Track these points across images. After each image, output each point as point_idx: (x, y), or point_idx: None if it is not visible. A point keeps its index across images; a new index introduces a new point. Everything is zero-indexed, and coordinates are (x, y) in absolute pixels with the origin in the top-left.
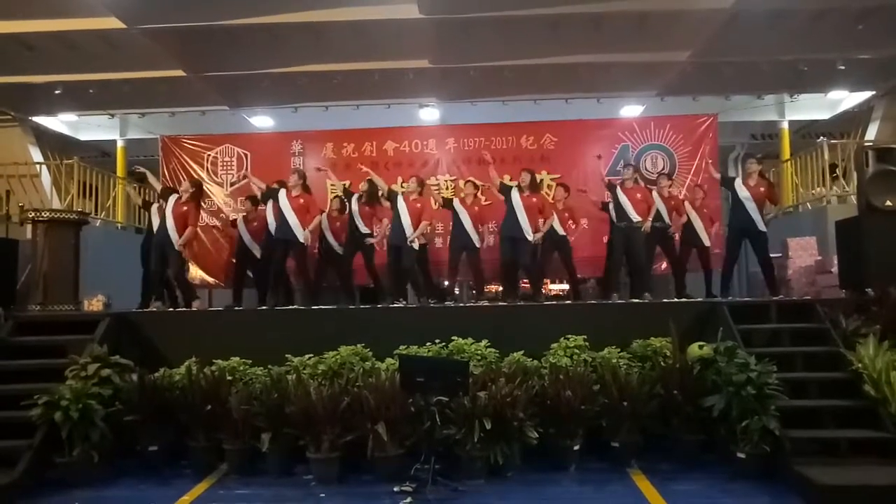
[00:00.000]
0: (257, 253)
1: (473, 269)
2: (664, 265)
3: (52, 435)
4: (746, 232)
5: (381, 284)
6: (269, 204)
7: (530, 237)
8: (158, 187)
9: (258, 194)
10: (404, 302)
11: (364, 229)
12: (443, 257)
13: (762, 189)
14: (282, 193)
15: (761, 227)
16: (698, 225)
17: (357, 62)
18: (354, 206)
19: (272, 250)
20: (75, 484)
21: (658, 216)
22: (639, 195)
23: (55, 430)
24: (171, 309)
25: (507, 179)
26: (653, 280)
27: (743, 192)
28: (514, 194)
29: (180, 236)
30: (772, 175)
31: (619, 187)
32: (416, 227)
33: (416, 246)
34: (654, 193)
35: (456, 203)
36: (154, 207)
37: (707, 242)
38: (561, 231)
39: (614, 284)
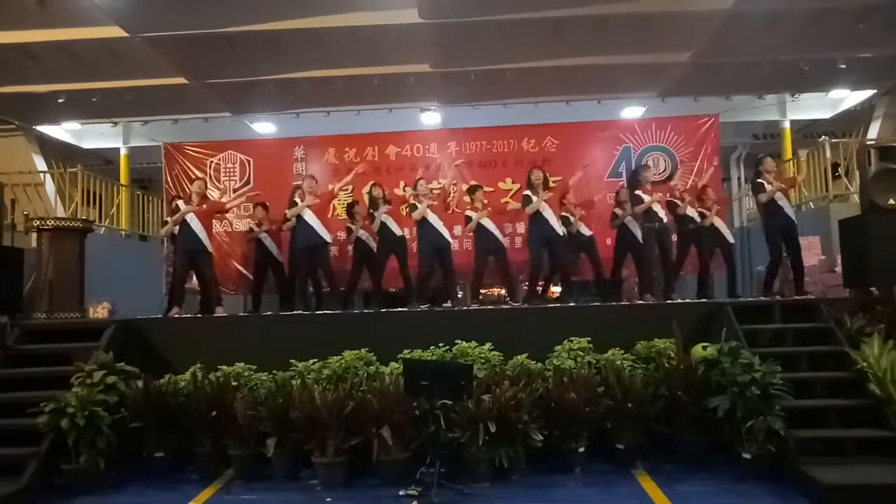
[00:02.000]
0: (279, 258)
1: (503, 270)
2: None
3: (58, 442)
4: (786, 230)
5: (412, 288)
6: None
7: (562, 232)
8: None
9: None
10: (449, 303)
11: (399, 232)
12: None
13: (784, 186)
14: (299, 202)
15: (794, 220)
16: (720, 224)
17: (358, 67)
18: (383, 214)
19: (299, 258)
20: (82, 491)
21: (656, 216)
22: (658, 194)
23: (61, 438)
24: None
25: (509, 182)
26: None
27: (776, 193)
28: (536, 199)
29: (210, 239)
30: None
31: (642, 191)
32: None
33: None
34: (670, 199)
35: (471, 213)
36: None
37: (731, 240)
38: (587, 231)
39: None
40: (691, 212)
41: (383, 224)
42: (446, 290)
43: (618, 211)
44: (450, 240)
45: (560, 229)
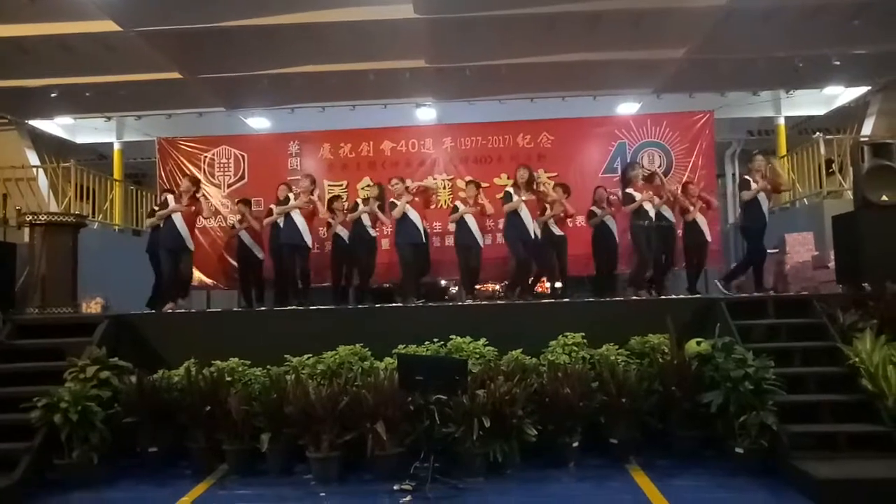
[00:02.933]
0: (258, 254)
1: (474, 267)
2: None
3: (51, 437)
4: (761, 231)
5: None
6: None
7: (534, 235)
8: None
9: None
10: (422, 301)
11: (373, 233)
12: (441, 257)
13: (769, 186)
14: (292, 199)
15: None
16: (702, 221)
17: (353, 62)
18: (363, 213)
19: (281, 256)
20: (75, 486)
21: (646, 215)
22: (650, 192)
23: (55, 433)
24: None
25: (504, 178)
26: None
27: (759, 192)
28: (517, 199)
29: (192, 238)
30: (767, 171)
31: (633, 189)
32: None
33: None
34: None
35: (459, 205)
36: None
37: (709, 238)
38: (558, 231)
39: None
40: (648, 207)
41: (359, 221)
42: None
43: (595, 209)
44: (424, 240)
45: (533, 232)
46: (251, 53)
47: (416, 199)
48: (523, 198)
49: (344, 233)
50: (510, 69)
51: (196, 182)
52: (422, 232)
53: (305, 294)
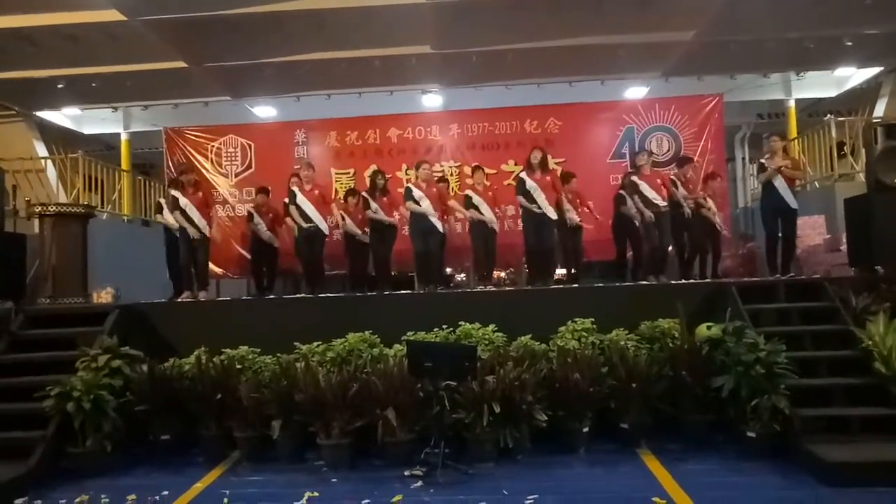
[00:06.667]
0: (275, 243)
1: (490, 253)
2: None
3: (64, 426)
4: (779, 211)
5: (386, 275)
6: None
7: (553, 216)
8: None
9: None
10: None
11: (387, 219)
12: (454, 244)
13: (780, 165)
14: (298, 192)
15: (793, 204)
16: (712, 209)
17: (359, 49)
18: (372, 202)
19: (304, 245)
20: (88, 474)
21: (649, 201)
22: (658, 180)
23: (68, 421)
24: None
25: (511, 164)
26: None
27: (774, 175)
28: (529, 181)
29: (209, 224)
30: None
31: (637, 176)
32: (439, 211)
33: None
34: (674, 177)
35: (471, 193)
36: (165, 203)
37: (720, 226)
38: (576, 218)
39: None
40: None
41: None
42: (439, 275)
43: (624, 193)
44: (441, 230)
45: (552, 214)
46: (256, 41)
47: (435, 189)
48: (535, 174)
49: (350, 223)
50: (516, 54)
51: (191, 169)
52: (434, 223)
53: (321, 283)
